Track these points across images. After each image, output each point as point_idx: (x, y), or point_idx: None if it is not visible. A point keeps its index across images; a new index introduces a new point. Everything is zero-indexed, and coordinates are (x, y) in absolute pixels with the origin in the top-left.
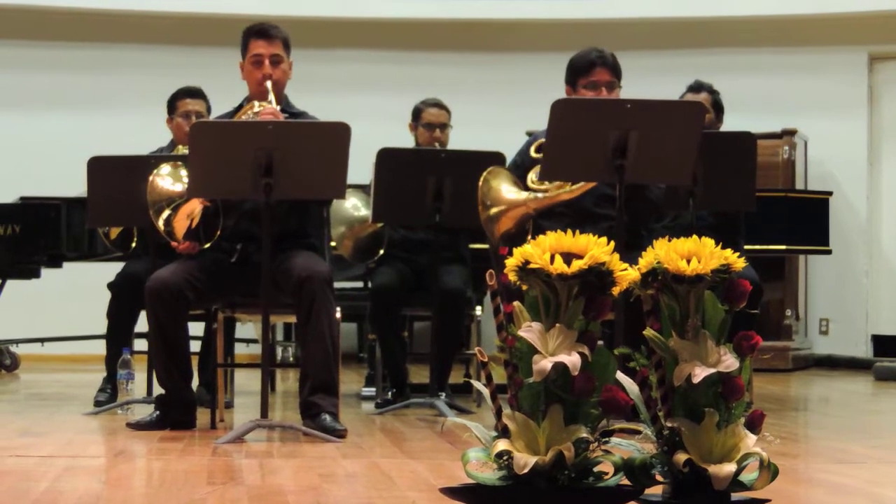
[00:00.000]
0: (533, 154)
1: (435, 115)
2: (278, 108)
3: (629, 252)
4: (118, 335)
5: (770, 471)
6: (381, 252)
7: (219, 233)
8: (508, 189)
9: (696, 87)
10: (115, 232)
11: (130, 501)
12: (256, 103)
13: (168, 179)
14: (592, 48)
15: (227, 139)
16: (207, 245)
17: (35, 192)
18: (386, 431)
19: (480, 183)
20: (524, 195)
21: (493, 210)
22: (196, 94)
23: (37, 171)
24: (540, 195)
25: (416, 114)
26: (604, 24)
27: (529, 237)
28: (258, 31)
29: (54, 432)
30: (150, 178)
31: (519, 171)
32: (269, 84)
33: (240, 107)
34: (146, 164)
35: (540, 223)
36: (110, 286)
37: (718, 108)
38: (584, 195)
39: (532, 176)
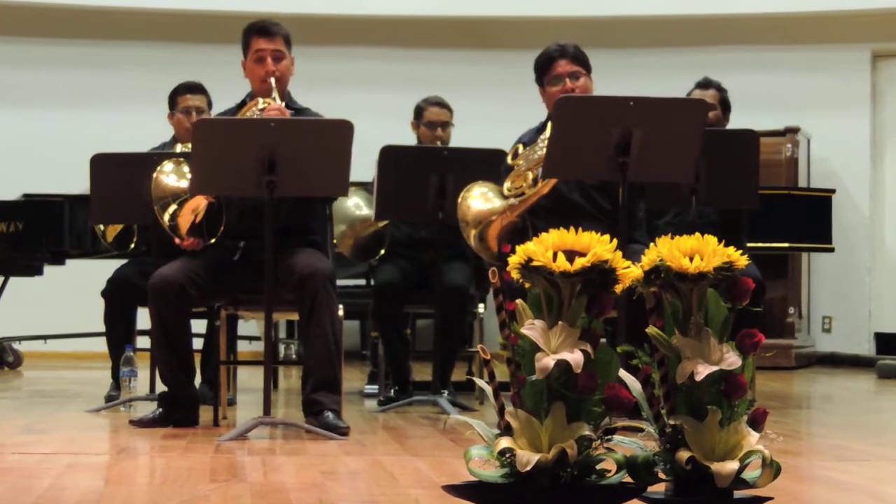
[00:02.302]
0: (509, 161)
1: (436, 113)
2: (282, 104)
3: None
4: (118, 342)
5: (773, 468)
6: (382, 252)
7: (222, 229)
8: (481, 195)
9: (705, 84)
10: (111, 233)
11: (133, 499)
12: (261, 100)
13: (173, 176)
14: (554, 42)
15: (230, 136)
16: (212, 241)
17: (38, 189)
18: (388, 429)
19: (459, 201)
20: (501, 204)
21: (472, 233)
22: (196, 89)
23: (40, 169)
24: (515, 200)
25: (418, 112)
26: (608, 21)
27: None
28: (259, 28)
29: (57, 429)
30: (154, 174)
31: (507, 175)
32: (272, 80)
33: (243, 103)
34: (149, 161)
35: (535, 223)
36: (103, 294)
37: (725, 105)
38: (572, 189)
39: (507, 184)
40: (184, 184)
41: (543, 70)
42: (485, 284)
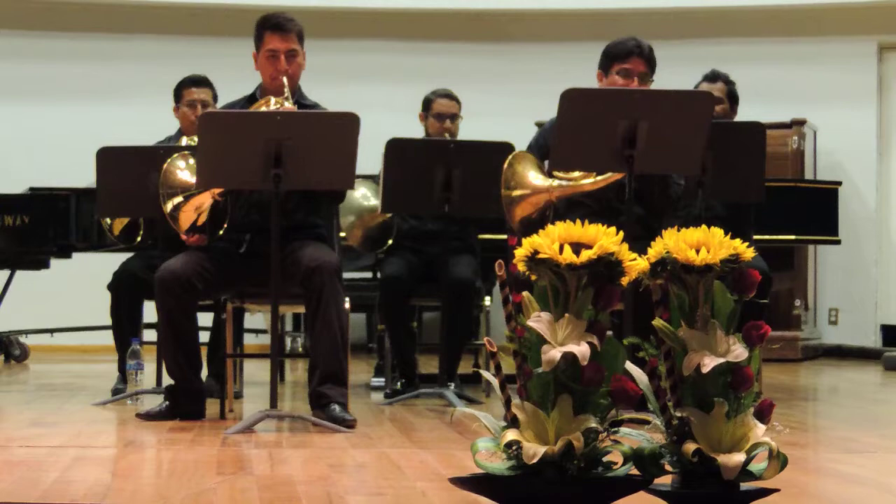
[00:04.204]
0: None
1: (445, 105)
2: (294, 105)
3: (641, 243)
4: (125, 335)
5: (779, 460)
6: (390, 242)
7: (221, 232)
8: (535, 175)
9: (712, 77)
10: (118, 227)
11: (140, 492)
12: (273, 99)
13: (186, 172)
14: (631, 37)
15: (236, 129)
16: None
17: (44, 182)
18: (395, 421)
19: (505, 166)
20: (548, 182)
21: (516, 192)
22: (201, 82)
23: (46, 162)
24: (564, 183)
25: (427, 104)
26: (614, 13)
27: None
28: (273, 24)
29: (64, 423)
30: (166, 165)
31: (538, 153)
32: (284, 79)
33: (253, 97)
34: (155, 154)
35: (558, 210)
36: (109, 287)
37: (733, 98)
38: (606, 187)
39: None
40: (194, 180)
41: (616, 59)
42: (491, 277)
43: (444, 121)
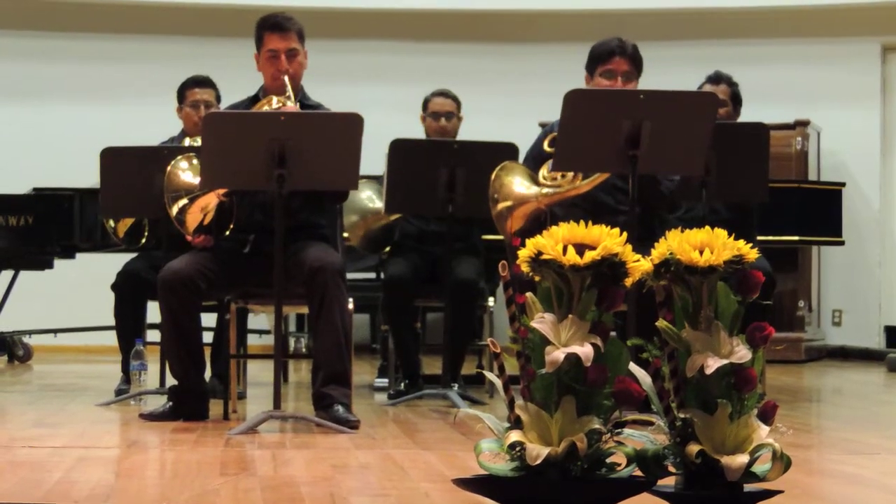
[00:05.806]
0: (546, 148)
1: (440, 103)
2: (297, 104)
3: (642, 244)
4: (128, 336)
5: (783, 462)
6: (391, 245)
7: (228, 232)
8: (520, 184)
9: (716, 79)
10: (122, 229)
11: (143, 492)
12: (275, 98)
13: (189, 173)
14: (615, 37)
15: (240, 130)
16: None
17: (48, 182)
18: (399, 422)
19: (492, 178)
20: (534, 190)
21: (502, 205)
22: (204, 83)
23: (50, 162)
24: (550, 190)
25: (424, 104)
26: (618, 14)
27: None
28: (272, 24)
29: (67, 423)
30: (169, 168)
31: (534, 164)
32: (286, 79)
33: (256, 97)
34: (159, 154)
35: (555, 212)
36: (113, 287)
37: (737, 100)
38: (598, 188)
39: (544, 171)
40: (198, 181)
41: (599, 61)
42: (494, 278)
43: (439, 119)
